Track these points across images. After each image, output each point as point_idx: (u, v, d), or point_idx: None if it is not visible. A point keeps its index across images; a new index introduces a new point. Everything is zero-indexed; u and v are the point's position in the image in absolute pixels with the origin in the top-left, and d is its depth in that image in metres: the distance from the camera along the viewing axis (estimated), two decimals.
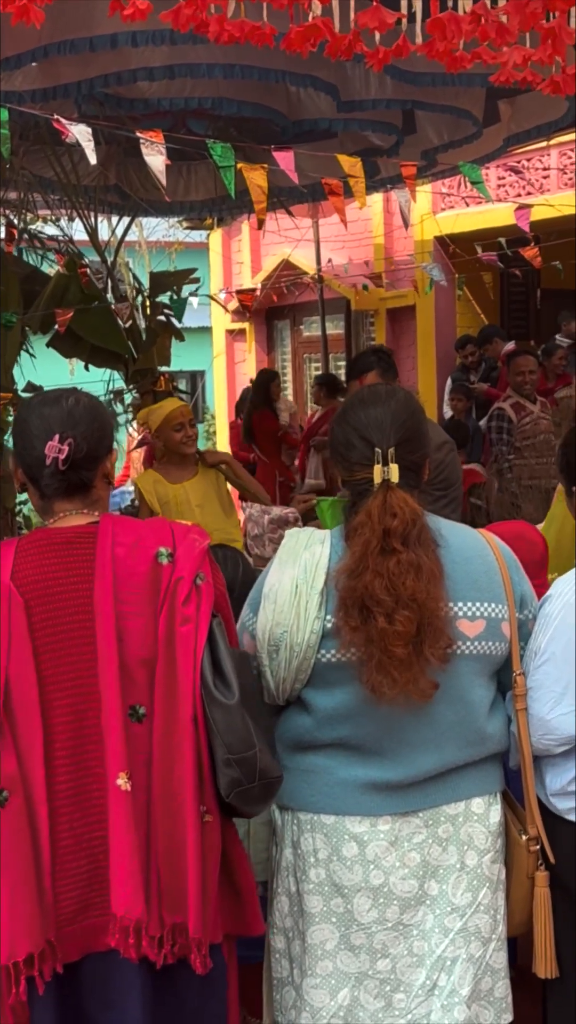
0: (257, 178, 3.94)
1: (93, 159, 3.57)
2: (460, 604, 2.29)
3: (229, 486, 5.31)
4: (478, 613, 2.30)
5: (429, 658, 2.20)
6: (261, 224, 4.21)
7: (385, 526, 2.19)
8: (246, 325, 13.60)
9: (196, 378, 17.11)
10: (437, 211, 10.77)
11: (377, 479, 2.24)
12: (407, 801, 2.30)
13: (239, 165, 3.90)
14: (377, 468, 2.24)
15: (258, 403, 9.84)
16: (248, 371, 13.69)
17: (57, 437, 2.20)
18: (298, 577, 2.27)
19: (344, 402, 2.46)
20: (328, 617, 2.25)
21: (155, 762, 2.15)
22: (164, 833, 2.14)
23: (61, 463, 2.20)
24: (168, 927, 2.14)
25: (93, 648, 2.14)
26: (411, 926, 2.31)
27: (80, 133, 3.55)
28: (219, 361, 14.24)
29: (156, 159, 3.75)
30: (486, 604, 2.31)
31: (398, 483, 2.24)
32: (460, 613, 2.28)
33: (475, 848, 2.34)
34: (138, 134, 3.79)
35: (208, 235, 13.22)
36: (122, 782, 2.11)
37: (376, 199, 10.61)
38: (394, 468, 2.24)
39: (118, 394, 7.28)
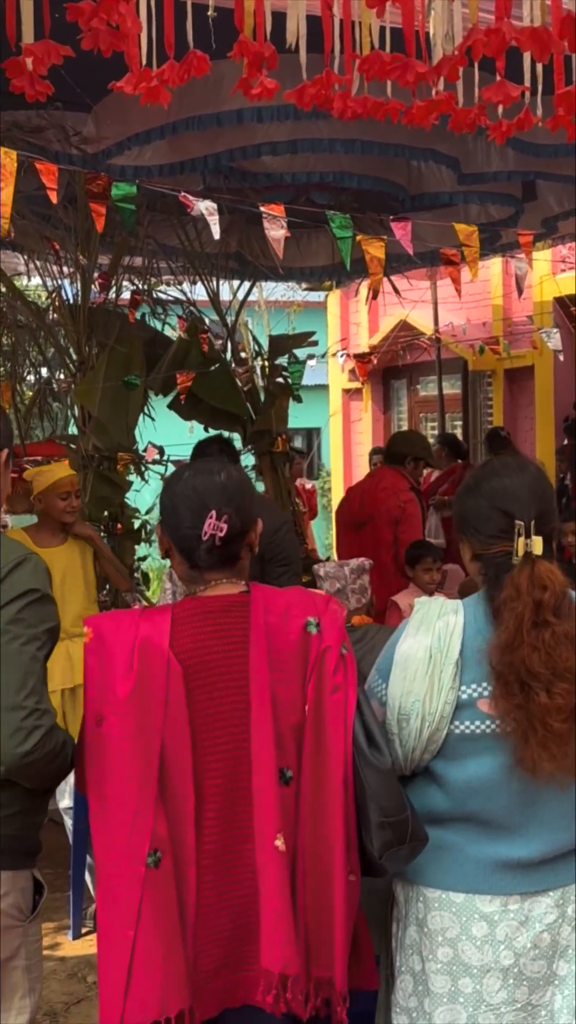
0: (375, 250, 3.99)
1: (216, 234, 3.66)
2: None
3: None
4: None
5: None
6: (376, 295, 4.26)
7: (536, 599, 2.19)
8: (362, 384, 13.67)
9: (312, 435, 17.23)
10: (557, 272, 10.71)
11: (520, 552, 2.23)
12: (538, 879, 2.27)
13: (358, 237, 3.95)
14: (520, 541, 2.23)
15: None
16: (364, 430, 13.73)
17: (214, 514, 2.24)
18: (432, 646, 2.26)
19: (473, 473, 2.46)
20: (463, 688, 2.25)
21: (302, 824, 2.19)
22: (311, 891, 2.19)
23: (218, 539, 2.25)
24: (313, 981, 2.18)
25: (246, 713, 2.19)
26: (539, 1007, 2.27)
27: (205, 208, 3.64)
28: (335, 419, 14.31)
29: (277, 232, 3.82)
30: None
31: (540, 554, 2.24)
32: None
33: None
34: (261, 208, 3.88)
35: (326, 296, 13.37)
36: (279, 843, 2.16)
37: (495, 260, 10.61)
38: (537, 540, 2.24)
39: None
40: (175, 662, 2.17)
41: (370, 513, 6.54)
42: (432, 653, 2.26)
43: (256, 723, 2.19)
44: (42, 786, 2.32)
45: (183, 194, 3.79)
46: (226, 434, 7.28)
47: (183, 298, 7.74)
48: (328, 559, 4.87)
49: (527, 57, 3.10)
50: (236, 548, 2.30)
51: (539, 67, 3.16)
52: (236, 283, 8.16)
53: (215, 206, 3.70)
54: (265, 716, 2.18)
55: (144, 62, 3.01)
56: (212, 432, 7.29)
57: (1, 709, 2.15)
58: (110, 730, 2.15)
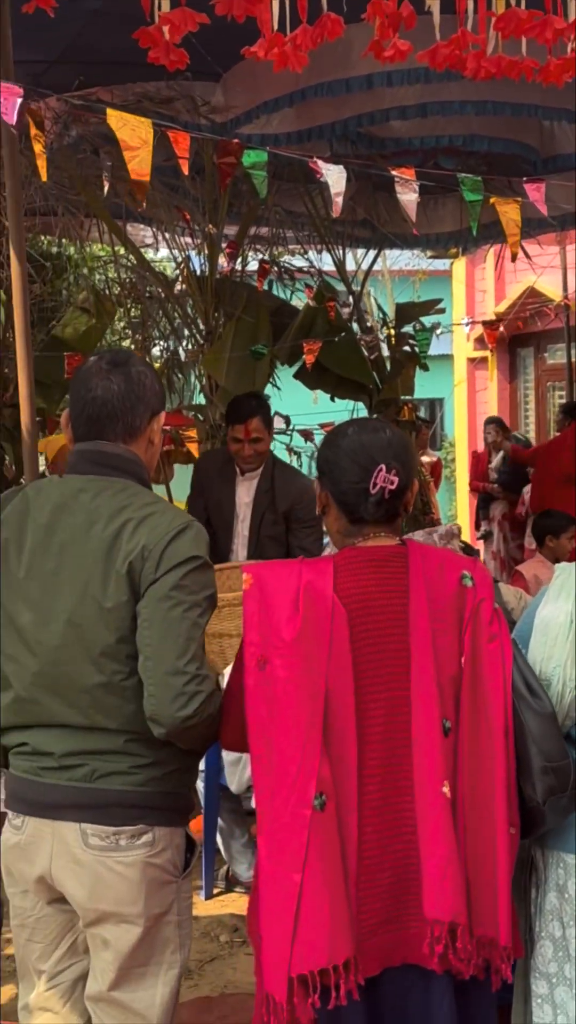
0: (511, 212, 3.92)
1: (337, 211, 3.63)
2: None
3: None
4: None
5: None
6: (515, 257, 4.18)
7: None
8: (488, 353, 13.47)
9: (435, 406, 17.07)
10: None
11: None
12: None
13: (492, 200, 3.89)
14: None
15: None
16: (489, 399, 13.54)
17: (384, 467, 2.26)
18: (574, 611, 2.25)
19: None
20: None
21: (462, 774, 2.18)
22: (472, 846, 2.17)
23: (387, 493, 2.26)
24: (475, 941, 2.15)
25: (406, 662, 2.19)
26: None
27: (335, 176, 3.62)
28: (460, 389, 14.14)
29: (409, 196, 3.78)
30: None
31: None
32: None
33: None
34: (392, 172, 3.84)
35: (452, 263, 13.19)
36: (446, 789, 2.15)
37: None
38: None
39: None
40: (339, 605, 2.18)
41: None
42: (574, 618, 2.24)
43: (417, 672, 2.18)
44: (198, 748, 2.36)
45: (313, 160, 3.77)
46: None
47: (309, 268, 7.74)
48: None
49: None
50: (398, 504, 2.31)
51: None
52: (361, 252, 8.11)
53: (344, 179, 3.67)
54: (427, 665, 2.18)
55: (276, 27, 3.00)
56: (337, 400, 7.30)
57: (164, 674, 2.19)
58: (275, 672, 2.15)
